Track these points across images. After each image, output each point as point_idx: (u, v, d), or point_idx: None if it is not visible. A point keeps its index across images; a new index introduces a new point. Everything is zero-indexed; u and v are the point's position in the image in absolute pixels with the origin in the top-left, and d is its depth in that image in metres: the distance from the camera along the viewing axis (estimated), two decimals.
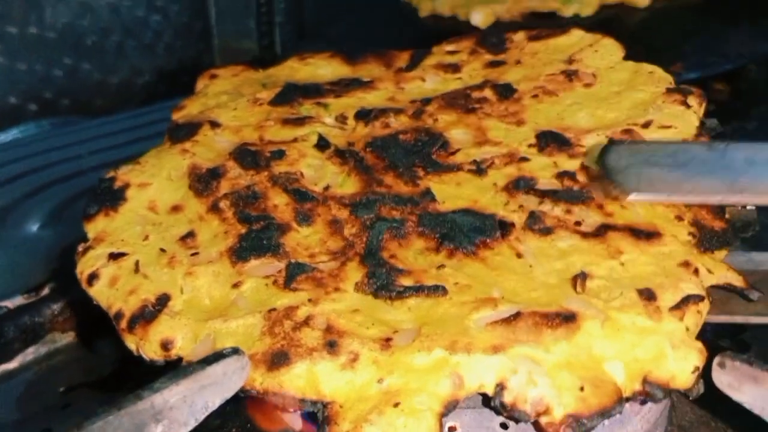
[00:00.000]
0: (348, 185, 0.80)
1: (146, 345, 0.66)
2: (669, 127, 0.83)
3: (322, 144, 0.85)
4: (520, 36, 1.02)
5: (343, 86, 0.96)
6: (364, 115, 0.90)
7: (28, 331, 0.91)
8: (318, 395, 0.60)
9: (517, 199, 0.76)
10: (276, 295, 0.68)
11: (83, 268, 0.75)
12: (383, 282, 0.67)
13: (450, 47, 1.03)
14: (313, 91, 0.95)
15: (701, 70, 1.24)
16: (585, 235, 0.70)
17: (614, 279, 0.66)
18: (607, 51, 0.98)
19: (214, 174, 0.82)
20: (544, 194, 0.76)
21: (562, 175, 0.79)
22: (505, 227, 0.72)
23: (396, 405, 0.58)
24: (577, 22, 1.34)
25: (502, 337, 0.61)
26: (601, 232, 0.70)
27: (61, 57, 1.67)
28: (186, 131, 0.90)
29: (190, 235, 0.76)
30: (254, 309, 0.66)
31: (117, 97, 1.74)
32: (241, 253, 0.72)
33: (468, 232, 0.72)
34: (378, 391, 0.60)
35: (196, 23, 1.84)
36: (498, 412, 0.59)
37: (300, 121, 0.90)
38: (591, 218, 0.72)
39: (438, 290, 0.66)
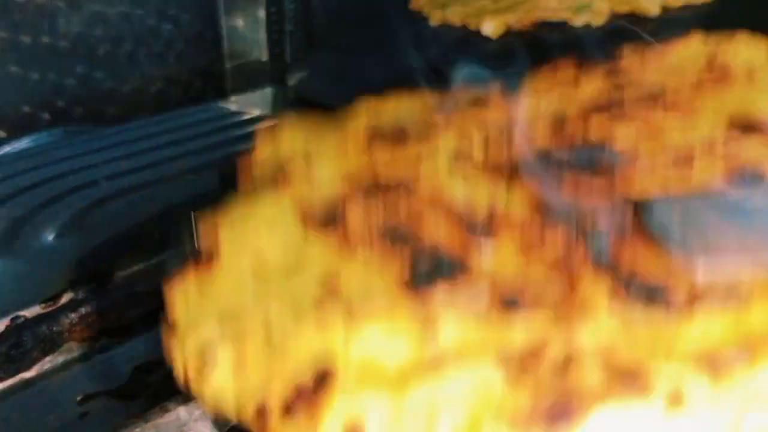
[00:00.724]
0: (517, 201, 0.55)
1: None
2: None
3: (457, 171, 0.59)
4: (629, 51, 0.77)
5: (445, 122, 0.67)
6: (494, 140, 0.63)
7: (46, 341, 0.79)
8: None
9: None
10: (498, 331, 0.43)
11: (185, 358, 0.48)
12: (653, 289, 0.44)
13: (547, 75, 0.76)
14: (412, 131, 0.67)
15: None
16: None
17: None
18: (750, 46, 0.74)
19: (336, 212, 0.55)
20: None
21: None
22: None
23: None
24: (587, 32, 1.18)
25: None
26: None
27: (73, 66, 1.50)
28: (274, 178, 0.62)
29: (331, 292, 0.49)
30: (471, 356, 0.42)
31: (129, 105, 1.56)
32: (419, 280, 0.47)
33: None
34: None
35: (207, 32, 1.65)
36: None
37: (415, 156, 0.62)
38: None
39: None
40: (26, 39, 1.45)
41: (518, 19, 1.29)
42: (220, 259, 0.53)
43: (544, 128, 0.63)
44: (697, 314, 0.43)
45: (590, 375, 0.40)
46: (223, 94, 1.62)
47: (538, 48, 1.10)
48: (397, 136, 0.64)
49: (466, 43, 1.27)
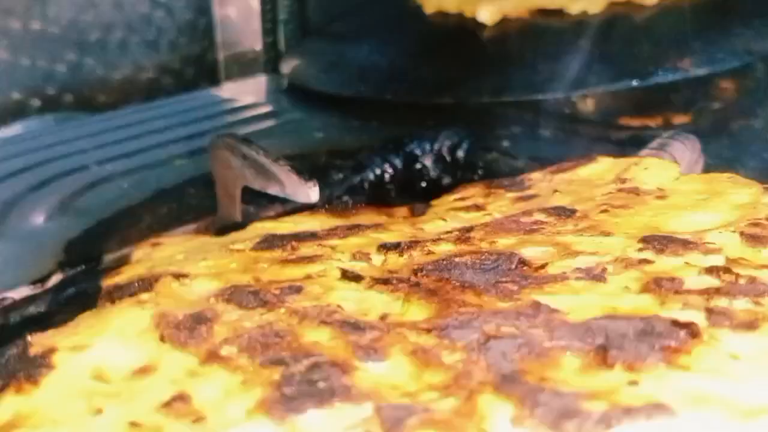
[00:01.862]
0: (414, 312, 0.49)
1: None
2: None
3: (350, 276, 0.53)
4: (537, 175, 0.71)
5: (344, 230, 0.61)
6: (395, 247, 0.57)
7: (34, 322, 0.70)
8: None
9: (672, 300, 0.47)
10: None
11: None
12: (564, 409, 0.38)
13: (457, 196, 0.69)
14: (307, 236, 0.60)
15: (709, 66, 1.03)
16: None
17: None
18: (660, 167, 0.68)
19: (201, 318, 0.48)
20: (709, 292, 0.47)
21: (712, 270, 0.49)
22: (685, 328, 0.43)
23: None
24: (584, 19, 1.12)
25: None
26: None
27: (64, 52, 1.44)
28: (136, 287, 0.54)
29: (180, 398, 0.42)
30: None
31: (120, 93, 1.49)
32: (289, 403, 0.40)
33: (637, 338, 0.42)
34: None
35: (200, 20, 1.57)
36: None
37: (306, 260, 0.56)
38: None
39: (663, 411, 0.37)
40: (16, 25, 1.39)
41: (514, 6, 1.22)
42: (53, 368, 0.45)
43: (448, 240, 0.57)
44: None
45: None
46: (216, 83, 1.56)
47: (533, 37, 1.03)
48: (291, 246, 0.58)
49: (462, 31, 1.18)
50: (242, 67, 1.58)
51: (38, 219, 0.93)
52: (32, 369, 0.45)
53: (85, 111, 1.44)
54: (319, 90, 1.21)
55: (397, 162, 0.86)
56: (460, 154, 0.87)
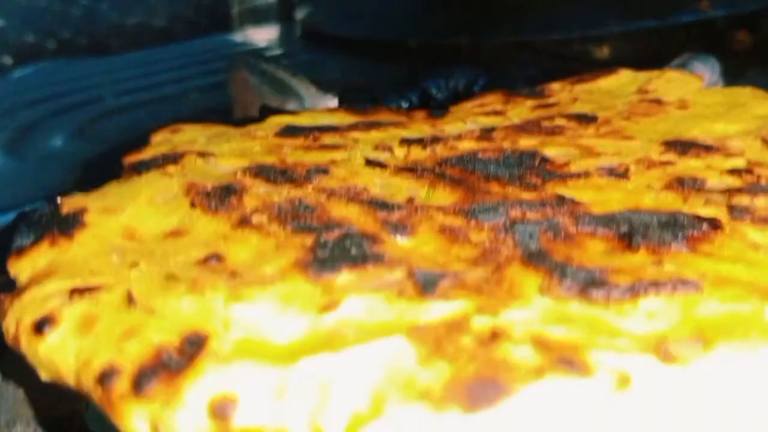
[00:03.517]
0: (439, 198, 0.48)
1: (179, 416, 0.33)
2: None
3: (374, 163, 0.52)
4: (556, 85, 0.69)
5: (365, 125, 0.60)
6: (417, 141, 0.56)
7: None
8: None
9: (695, 198, 0.46)
10: (409, 310, 0.36)
11: (20, 314, 0.38)
12: (591, 278, 0.37)
13: (476, 102, 0.67)
14: (328, 128, 0.59)
15: (728, 8, 0.99)
16: None
17: None
18: (682, 80, 0.67)
19: (230, 189, 0.48)
20: (730, 191, 0.47)
21: (734, 172, 0.49)
22: (708, 222, 0.43)
23: None
24: None
25: None
26: None
27: None
28: (161, 161, 0.53)
29: (215, 257, 0.41)
30: (378, 333, 0.34)
31: (133, 39, 1.46)
32: (322, 263, 0.39)
33: (661, 228, 0.42)
34: None
35: None
36: None
37: (329, 148, 0.55)
38: None
39: (689, 285, 0.37)
40: None
41: None
42: (86, 226, 0.45)
43: (470, 138, 0.56)
44: (641, 303, 0.36)
45: (520, 350, 0.32)
46: (230, 32, 1.55)
47: None
48: (313, 136, 0.57)
49: None
50: (256, 16, 1.56)
51: (57, 142, 0.96)
52: (65, 225, 0.45)
53: (99, 55, 1.42)
54: (334, 34, 1.20)
55: (413, 98, 0.86)
56: (476, 90, 0.87)
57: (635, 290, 0.36)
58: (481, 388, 0.31)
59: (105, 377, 0.35)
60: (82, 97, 1.10)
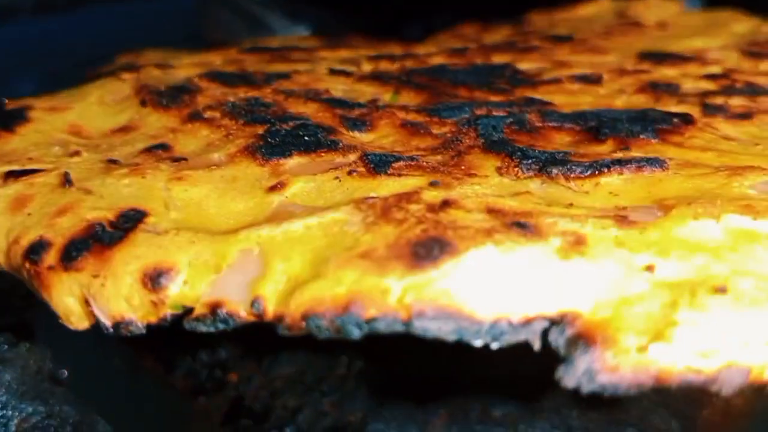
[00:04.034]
0: (405, 100, 0.46)
1: (108, 287, 0.31)
2: None
3: (338, 72, 0.50)
4: (535, 16, 0.68)
5: (334, 44, 0.59)
6: (387, 57, 0.54)
7: None
8: (527, 307, 0.27)
9: (667, 100, 0.44)
10: (362, 187, 0.34)
11: None
12: (553, 159, 0.35)
13: (451, 33, 0.67)
14: (296, 48, 0.57)
15: None
16: None
17: None
18: (662, 5, 0.66)
19: (184, 89, 0.46)
20: (704, 94, 0.45)
21: (710, 78, 0.47)
22: (680, 117, 0.41)
23: (720, 291, 0.27)
24: None
25: None
26: None
27: None
28: (118, 69, 0.51)
29: (161, 146, 0.40)
30: (323, 209, 0.32)
31: None
32: (272, 148, 0.37)
33: (630, 122, 0.40)
34: (653, 282, 0.27)
35: None
36: None
37: (294, 60, 0.53)
38: None
39: (656, 163, 0.35)
40: None
41: None
42: (29, 121, 0.43)
43: (442, 55, 0.54)
44: (603, 181, 0.34)
45: (471, 215, 0.30)
46: None
47: None
48: (278, 52, 0.55)
49: None
50: None
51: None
52: (7, 119, 0.43)
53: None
54: None
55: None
56: None
57: (597, 167, 0.34)
58: (426, 248, 0.29)
59: (33, 251, 0.33)
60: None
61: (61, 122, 0.43)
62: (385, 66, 0.52)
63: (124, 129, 0.43)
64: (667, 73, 0.48)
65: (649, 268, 0.28)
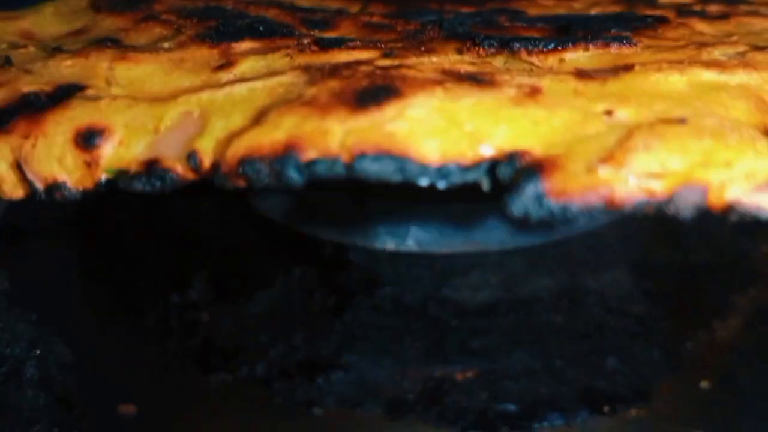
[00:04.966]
0: (374, 10, 0.45)
1: (39, 148, 0.30)
2: None
3: None
4: None
5: None
6: None
7: None
8: (475, 150, 0.26)
9: (643, 7, 0.44)
10: (313, 59, 0.33)
11: None
12: (516, 37, 0.34)
13: None
14: None
15: None
16: None
17: None
18: None
19: None
20: (682, 4, 0.44)
21: None
22: (655, 17, 0.40)
23: (681, 122, 0.25)
24: None
25: None
26: None
27: None
28: None
29: (110, 40, 0.39)
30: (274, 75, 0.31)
31: None
32: (223, 34, 0.37)
33: (605, 22, 0.38)
34: (611, 124, 0.26)
35: None
36: None
37: None
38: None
39: (624, 40, 0.34)
40: None
41: None
42: None
43: None
44: (568, 57, 0.34)
45: (423, 71, 0.30)
46: None
47: None
48: None
49: None
50: None
51: None
52: None
53: None
54: None
55: None
56: None
57: (562, 42, 0.33)
58: (371, 94, 0.28)
59: None
60: None
61: (14, 28, 0.43)
62: None
63: (77, 32, 0.42)
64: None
65: (608, 113, 0.27)
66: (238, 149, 0.27)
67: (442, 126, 0.27)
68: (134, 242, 0.53)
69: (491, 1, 0.46)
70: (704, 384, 0.42)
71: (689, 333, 0.45)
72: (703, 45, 0.32)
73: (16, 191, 0.31)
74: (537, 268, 0.50)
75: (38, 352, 0.41)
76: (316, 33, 0.39)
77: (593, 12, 0.43)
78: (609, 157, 0.24)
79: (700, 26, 0.39)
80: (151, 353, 0.44)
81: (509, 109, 0.27)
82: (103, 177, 0.30)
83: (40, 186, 0.30)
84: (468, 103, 0.27)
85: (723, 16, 0.40)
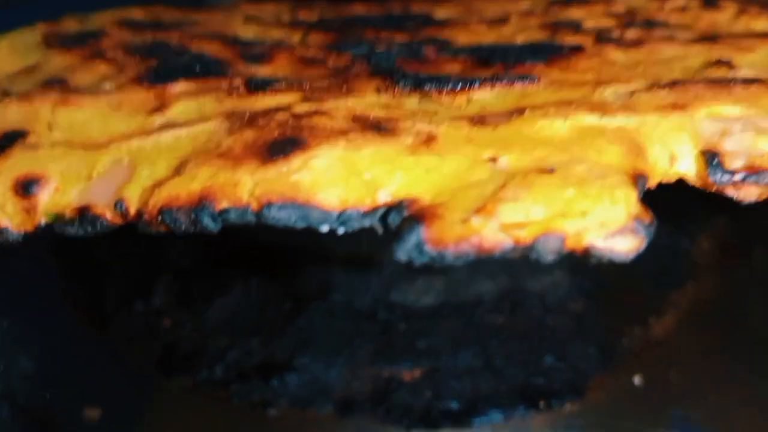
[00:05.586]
0: (311, 41, 0.48)
1: None
2: None
3: (253, 18, 0.53)
4: None
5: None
6: (306, 4, 0.57)
7: None
8: (373, 197, 0.29)
9: (565, 34, 0.46)
10: (240, 104, 0.36)
11: None
12: (429, 78, 0.37)
13: None
14: (223, 3, 0.58)
15: None
16: (690, 43, 0.42)
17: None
18: None
19: (92, 33, 0.48)
20: (603, 30, 0.47)
21: (613, 16, 0.50)
22: (571, 47, 0.43)
23: (549, 172, 0.29)
24: None
25: (676, 97, 0.34)
26: (709, 38, 0.43)
27: None
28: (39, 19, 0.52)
29: (58, 80, 0.42)
30: (192, 119, 0.35)
31: None
32: (160, 75, 0.40)
33: (522, 53, 0.42)
34: (494, 171, 0.30)
35: None
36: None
37: (214, 12, 0.55)
38: (682, 34, 0.45)
39: (527, 78, 0.37)
40: None
41: None
42: None
43: (363, 4, 0.55)
44: (475, 95, 0.36)
45: (333, 122, 0.33)
46: None
47: None
48: (203, 8, 0.56)
49: None
50: None
51: None
52: None
53: None
54: None
55: None
56: None
57: (469, 82, 0.36)
58: (280, 146, 0.31)
59: None
60: None
61: None
62: (303, 15, 0.54)
63: (28, 70, 0.45)
64: (573, 13, 0.50)
65: (493, 160, 0.30)
66: (158, 199, 0.30)
67: (342, 175, 0.30)
68: (98, 251, 0.56)
69: (426, 27, 0.49)
70: (637, 379, 0.45)
71: (624, 330, 0.48)
72: (599, 83, 0.35)
73: None
74: (479, 273, 0.53)
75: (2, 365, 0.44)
76: (251, 69, 0.42)
77: (519, 38, 0.46)
78: (482, 208, 0.27)
79: (613, 55, 0.42)
80: (116, 358, 0.47)
81: (405, 157, 0.30)
82: (42, 221, 0.33)
83: None
84: (368, 153, 0.30)
85: (637, 42, 0.43)
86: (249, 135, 0.32)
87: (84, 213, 0.32)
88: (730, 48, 0.41)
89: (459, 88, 0.36)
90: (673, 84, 0.34)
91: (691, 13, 0.48)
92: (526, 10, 0.52)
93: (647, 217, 0.27)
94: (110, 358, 0.47)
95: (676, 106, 0.32)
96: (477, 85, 0.36)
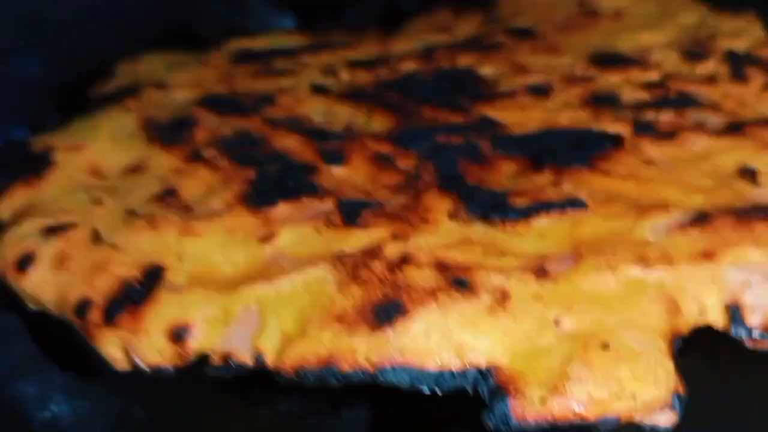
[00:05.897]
0: (376, 124, 0.55)
1: (143, 341, 0.41)
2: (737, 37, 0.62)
3: (319, 89, 0.58)
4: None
5: (316, 48, 0.66)
6: (363, 64, 0.62)
7: None
8: (463, 359, 0.38)
9: (607, 114, 0.53)
10: (336, 239, 0.43)
11: (4, 251, 0.47)
12: (493, 202, 0.45)
13: (426, 19, 0.74)
14: (281, 52, 0.65)
15: None
16: (718, 134, 0.50)
17: None
18: None
19: (184, 123, 0.54)
20: (639, 106, 0.54)
21: (648, 87, 0.56)
22: (612, 139, 0.50)
23: (605, 348, 0.37)
24: None
25: (705, 241, 0.41)
26: (735, 128, 0.50)
27: None
28: (122, 93, 0.59)
29: (169, 193, 0.49)
30: (308, 262, 0.42)
31: None
32: (262, 197, 0.47)
33: (569, 148, 0.49)
34: (559, 336, 0.38)
35: None
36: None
37: (278, 73, 0.61)
38: (712, 118, 0.52)
39: (576, 204, 0.44)
40: None
41: None
42: (55, 165, 0.52)
43: (412, 58, 0.62)
44: (534, 223, 0.43)
45: (422, 274, 0.40)
46: None
47: None
48: (264, 61, 0.63)
49: None
50: None
51: None
52: (37, 165, 0.52)
53: None
54: None
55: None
56: None
57: (528, 212, 0.43)
58: (384, 310, 0.39)
59: (81, 309, 0.43)
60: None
61: (82, 162, 0.52)
62: (361, 77, 0.60)
63: (136, 168, 0.52)
64: (611, 79, 0.56)
65: (557, 323, 0.38)
66: (293, 360, 0.39)
67: (437, 340, 0.38)
68: None
69: (478, 101, 0.55)
70: None
71: None
72: (641, 214, 0.43)
73: (125, 366, 0.43)
74: None
75: None
76: (333, 172, 0.49)
77: (562, 119, 0.53)
78: (555, 389, 0.35)
79: (650, 151, 0.49)
80: None
81: (485, 318, 0.38)
82: (193, 360, 0.41)
83: (145, 368, 0.42)
84: (455, 317, 0.38)
85: (671, 134, 0.49)
86: (357, 294, 0.40)
87: (229, 360, 0.40)
88: (754, 144, 0.48)
89: (521, 219, 0.43)
90: (703, 220, 0.42)
91: (720, 88, 0.54)
92: (567, 72, 0.57)
93: (682, 390, 0.36)
94: None
95: (707, 255, 0.40)
96: (534, 215, 0.44)
